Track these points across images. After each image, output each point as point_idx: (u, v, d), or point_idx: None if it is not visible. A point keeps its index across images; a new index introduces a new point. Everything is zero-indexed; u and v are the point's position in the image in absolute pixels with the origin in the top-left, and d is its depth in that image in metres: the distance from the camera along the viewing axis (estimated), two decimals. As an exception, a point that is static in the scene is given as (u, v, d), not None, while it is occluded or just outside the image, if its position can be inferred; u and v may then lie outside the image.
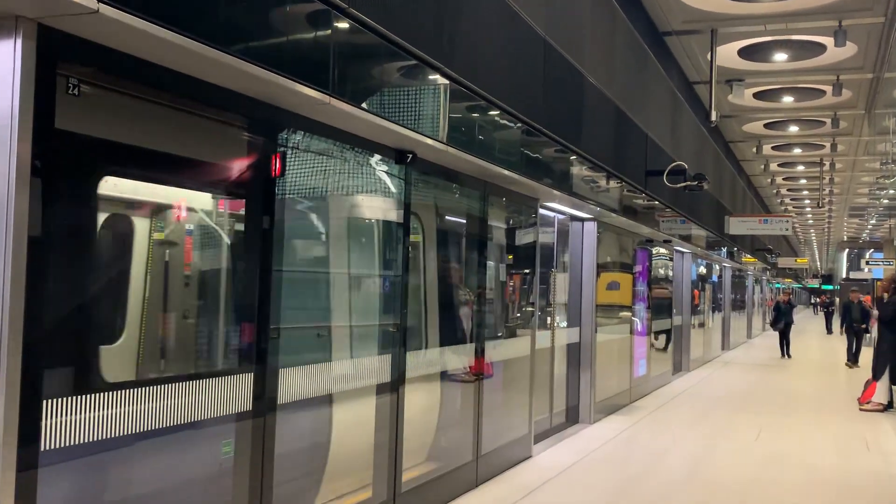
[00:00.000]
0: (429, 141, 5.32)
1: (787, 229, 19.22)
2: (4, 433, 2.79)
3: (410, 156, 5.49)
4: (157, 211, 4.00)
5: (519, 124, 6.83)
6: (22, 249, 2.87)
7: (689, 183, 10.93)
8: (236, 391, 3.96)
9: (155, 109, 3.57)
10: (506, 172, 6.59)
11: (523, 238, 8.12)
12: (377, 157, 5.37)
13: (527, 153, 7.25)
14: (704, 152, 16.67)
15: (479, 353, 6.88)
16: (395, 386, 5.49)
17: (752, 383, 15.62)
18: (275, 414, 4.24)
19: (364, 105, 4.65)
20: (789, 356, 20.99)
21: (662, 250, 14.71)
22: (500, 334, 7.52)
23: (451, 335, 6.58)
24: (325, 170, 4.93)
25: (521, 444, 7.88)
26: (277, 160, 4.30)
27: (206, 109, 3.85)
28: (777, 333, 22.06)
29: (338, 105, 4.27)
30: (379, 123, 4.73)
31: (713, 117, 12.43)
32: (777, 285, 46.28)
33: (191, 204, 4.04)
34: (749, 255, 25.96)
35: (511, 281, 7.90)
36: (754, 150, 21.04)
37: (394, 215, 5.57)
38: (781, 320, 21.30)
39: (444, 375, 6.43)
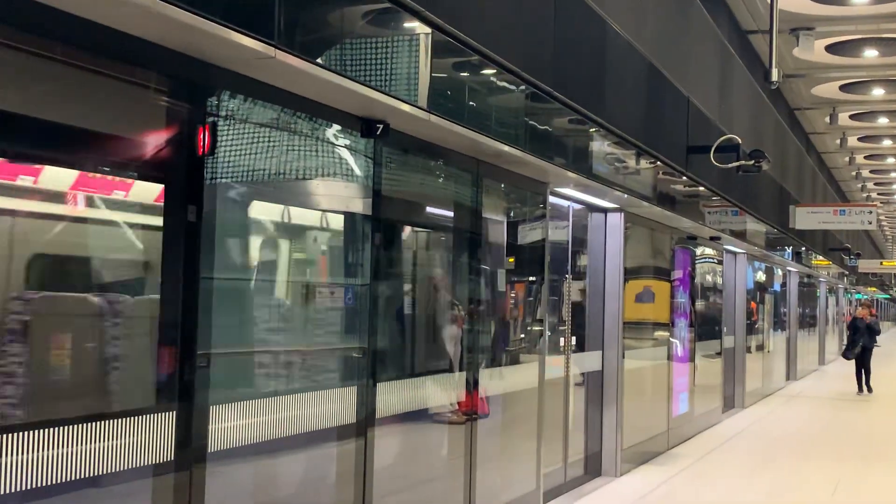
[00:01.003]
0: (405, 107, 5.31)
1: (870, 223, 19.38)
2: None
3: (381, 126, 5.48)
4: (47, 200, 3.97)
5: (522, 87, 6.85)
6: None
7: (743, 162, 11.00)
8: (155, 436, 3.94)
9: (37, 65, 3.54)
10: (506, 148, 6.60)
11: (528, 235, 8.15)
12: (337, 128, 5.36)
13: (532, 124, 7.26)
14: (763, 123, 16.79)
15: (472, 386, 6.89)
16: (360, 429, 5.49)
17: (825, 424, 15.72)
18: (204, 466, 4.22)
19: (320, 60, 4.65)
20: (869, 390, 20.73)
21: (708, 251, 14.79)
22: (497, 361, 7.53)
23: (434, 361, 6.59)
24: (270, 146, 4.92)
25: (527, 502, 7.90)
26: (206, 133, 4.28)
27: (111, 65, 3.83)
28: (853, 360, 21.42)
29: (285, 59, 4.26)
30: (339, 83, 4.72)
31: (774, 76, 12.50)
32: (858, 296, 46.63)
33: (88, 190, 4.01)
34: (820, 257, 26.16)
35: (513, 291, 7.91)
36: (827, 119, 21.19)
37: (359, 205, 5.57)
38: (859, 342, 20.84)
39: (424, 415, 6.43)
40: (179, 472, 4.08)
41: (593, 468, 10.17)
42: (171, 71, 4.12)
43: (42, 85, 3.66)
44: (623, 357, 10.39)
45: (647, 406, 11.51)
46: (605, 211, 10.21)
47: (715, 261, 15.39)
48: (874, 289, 56.69)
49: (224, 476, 4.43)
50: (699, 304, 14.03)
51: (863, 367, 20.83)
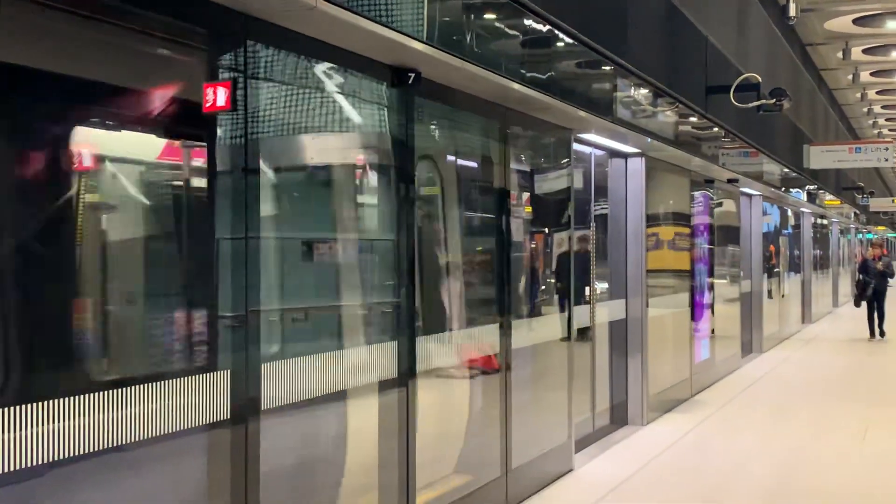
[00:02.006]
0: (439, 54, 5.32)
1: (886, 159, 19.42)
2: None
3: (412, 76, 5.50)
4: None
5: (546, 27, 6.84)
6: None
7: (764, 101, 11.00)
8: (209, 394, 4.01)
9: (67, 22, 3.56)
10: (534, 94, 6.62)
11: (553, 184, 8.18)
12: (368, 79, 5.37)
13: (557, 68, 7.27)
14: (777, 61, 16.75)
15: (505, 338, 6.96)
16: (402, 382, 5.56)
17: (848, 367, 15.86)
18: (258, 421, 4.30)
19: (355, 6, 4.65)
20: (882, 334, 19.94)
21: (724, 194, 14.82)
22: (526, 312, 7.59)
23: (472, 315, 6.66)
24: (305, 101, 4.93)
25: (560, 455, 8.00)
26: (246, 88, 4.30)
27: (143, 20, 3.85)
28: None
29: (325, 8, 4.27)
30: (373, 30, 4.72)
31: (792, 11, 12.47)
32: (868, 235, 46.68)
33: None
34: (832, 197, 26.18)
35: (537, 241, 7.96)
36: (840, 54, 21.12)
37: (393, 159, 5.59)
38: (870, 285, 19.80)
39: (460, 368, 6.51)
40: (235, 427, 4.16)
41: (619, 417, 10.28)
42: (210, 22, 4.14)
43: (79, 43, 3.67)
44: (647, 305, 10.46)
45: (670, 353, 11.60)
46: (625, 156, 10.23)
47: (731, 204, 15.43)
48: (884, 227, 56.77)
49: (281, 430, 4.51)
50: (717, 249, 14.08)
51: (876, 310, 19.95)
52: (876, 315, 19.97)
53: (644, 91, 9.25)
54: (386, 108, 5.61)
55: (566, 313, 8.31)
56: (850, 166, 20.97)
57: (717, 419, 10.86)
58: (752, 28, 14.41)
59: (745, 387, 13.32)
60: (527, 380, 7.48)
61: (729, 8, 12.86)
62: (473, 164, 6.93)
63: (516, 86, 6.32)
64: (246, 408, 4.25)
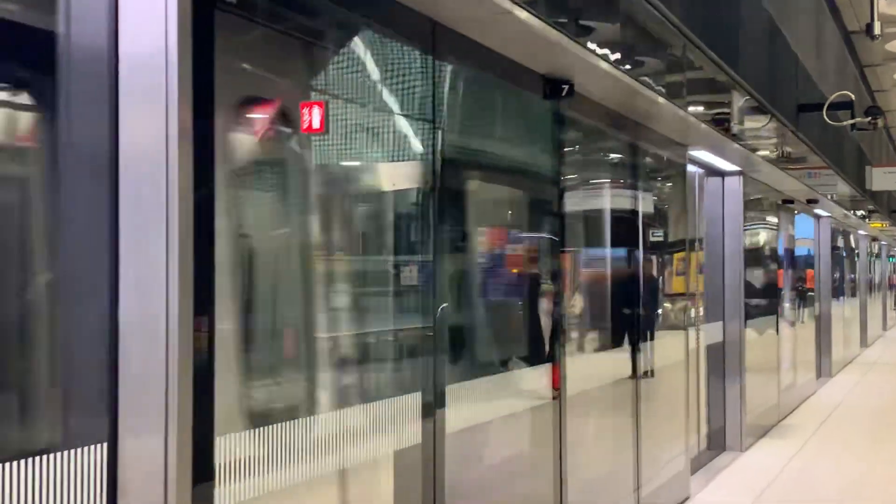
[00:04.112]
0: (600, 63, 5.12)
1: (949, 181, 19.08)
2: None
3: (566, 87, 5.31)
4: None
5: (683, 40, 6.65)
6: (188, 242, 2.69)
7: (859, 119, 10.76)
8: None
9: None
10: (667, 105, 6.41)
11: (669, 201, 7.98)
12: (524, 89, 5.19)
13: (677, 78, 7.07)
14: (845, 80, 16.50)
15: (642, 359, 6.77)
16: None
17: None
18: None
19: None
20: None
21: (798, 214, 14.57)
22: (650, 335, 7.39)
23: (616, 337, 6.50)
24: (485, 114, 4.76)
25: (679, 483, 7.77)
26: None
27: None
28: None
29: (519, 14, 4.09)
30: (541, 33, 4.51)
31: (877, 30, 12.21)
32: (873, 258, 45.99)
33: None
34: (880, 220, 25.83)
35: (657, 262, 7.74)
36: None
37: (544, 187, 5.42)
38: None
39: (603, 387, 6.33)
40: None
41: (717, 443, 10.01)
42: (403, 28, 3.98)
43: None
44: (745, 328, 10.22)
45: (760, 377, 11.33)
46: (723, 175, 10.02)
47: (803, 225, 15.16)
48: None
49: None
50: (793, 271, 13.83)
51: None
52: None
53: (750, 105, 9.02)
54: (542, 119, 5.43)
55: (682, 336, 8.09)
56: (912, 188, 20.60)
57: (815, 445, 10.56)
58: (826, 45, 14.19)
59: (829, 411, 13.01)
60: (652, 402, 7.25)
61: (808, 24, 12.64)
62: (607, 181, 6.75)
63: (653, 96, 6.12)
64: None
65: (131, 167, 2.67)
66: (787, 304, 12.71)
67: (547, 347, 5.40)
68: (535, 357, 5.34)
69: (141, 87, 2.67)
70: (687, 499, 7.89)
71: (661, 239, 7.41)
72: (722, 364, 10.12)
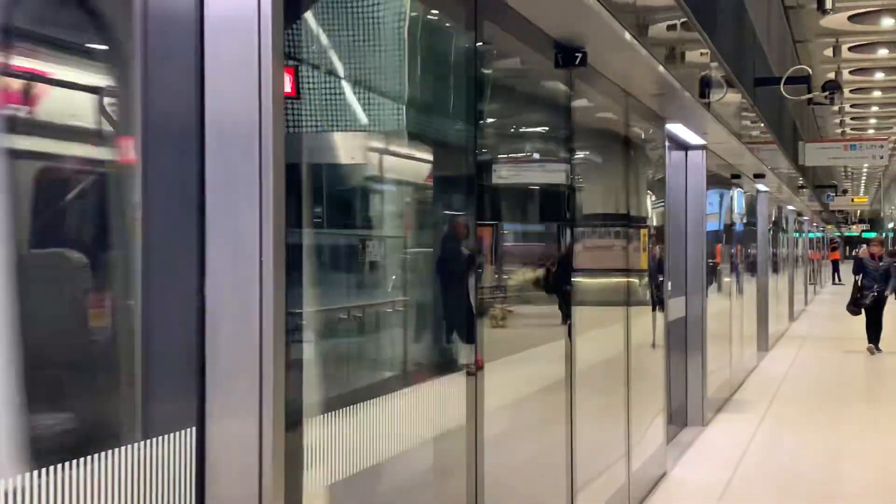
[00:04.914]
0: (616, 25, 4.95)
1: (880, 157, 19.46)
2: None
3: (580, 56, 5.16)
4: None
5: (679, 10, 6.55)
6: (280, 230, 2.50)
7: (815, 94, 10.82)
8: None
9: None
10: (669, 79, 6.31)
11: (653, 177, 7.92)
12: (539, 57, 5.03)
13: (675, 51, 6.98)
14: (785, 55, 16.68)
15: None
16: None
17: (863, 367, 15.68)
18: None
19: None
20: (878, 349, 16.59)
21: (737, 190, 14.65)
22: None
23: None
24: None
25: (657, 458, 7.73)
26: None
27: None
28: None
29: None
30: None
31: (829, 4, 12.28)
32: (811, 234, 47.07)
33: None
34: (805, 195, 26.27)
35: (644, 236, 7.68)
36: (831, 52, 21.10)
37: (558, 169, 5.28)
38: (872, 289, 16.40)
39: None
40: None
41: (679, 418, 10.01)
42: None
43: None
44: (706, 303, 10.23)
45: (714, 352, 11.37)
46: (685, 148, 9.98)
47: (745, 200, 15.28)
48: (832, 226, 57.50)
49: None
50: (737, 247, 13.92)
51: (873, 320, 16.61)
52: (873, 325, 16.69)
53: (720, 76, 8.98)
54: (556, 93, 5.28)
55: (658, 311, 8.04)
56: (843, 164, 21.04)
57: (774, 418, 10.65)
58: (771, 19, 14.28)
59: (776, 385, 13.15)
60: (638, 377, 7.19)
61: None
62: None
63: (664, 71, 6.01)
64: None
65: (218, 140, 2.46)
66: (732, 279, 12.77)
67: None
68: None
69: (229, 49, 2.45)
70: (664, 474, 7.86)
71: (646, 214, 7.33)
72: (684, 339, 10.11)
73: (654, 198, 8.22)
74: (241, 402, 2.47)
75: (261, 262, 2.46)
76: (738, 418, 10.64)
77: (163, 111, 2.43)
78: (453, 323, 3.97)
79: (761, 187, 16.33)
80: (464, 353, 3.88)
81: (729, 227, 12.68)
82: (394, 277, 3.67)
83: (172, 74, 2.46)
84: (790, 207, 23.50)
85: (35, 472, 1.97)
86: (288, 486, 2.56)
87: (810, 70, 10.96)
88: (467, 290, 3.95)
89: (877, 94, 28.14)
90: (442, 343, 3.97)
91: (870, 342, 16.66)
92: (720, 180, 12.36)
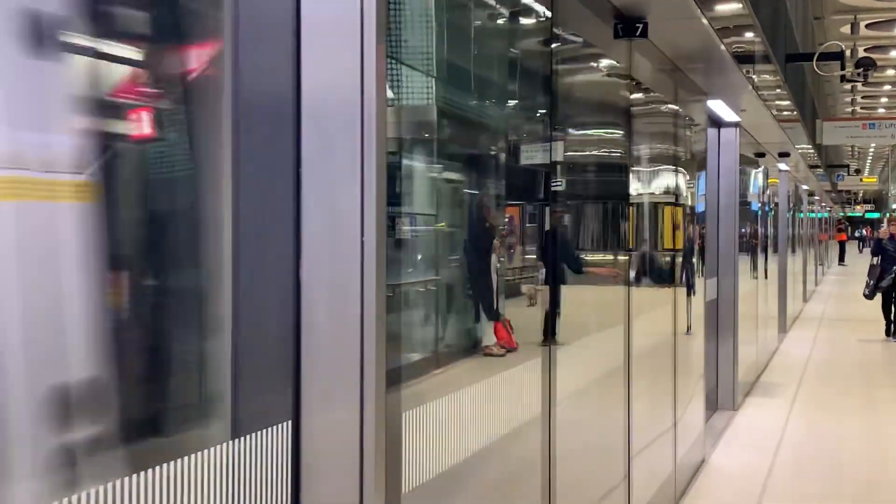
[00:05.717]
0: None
1: (899, 137, 19.26)
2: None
3: (641, 26, 4.94)
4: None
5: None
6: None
7: (849, 70, 10.60)
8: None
9: None
10: (721, 48, 6.09)
11: (694, 152, 7.70)
12: (597, 27, 4.81)
13: (724, 24, 6.75)
14: (806, 32, 16.41)
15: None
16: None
17: (881, 349, 15.51)
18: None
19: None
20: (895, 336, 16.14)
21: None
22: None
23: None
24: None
25: (697, 446, 7.54)
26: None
27: None
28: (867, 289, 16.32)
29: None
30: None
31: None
32: (814, 215, 46.79)
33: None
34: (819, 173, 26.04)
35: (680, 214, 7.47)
36: (849, 29, 20.83)
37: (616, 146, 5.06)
38: (891, 271, 15.69)
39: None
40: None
41: (710, 402, 9.80)
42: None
43: None
44: (738, 285, 10.03)
45: (743, 335, 11.19)
46: (719, 126, 9.75)
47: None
48: (837, 206, 57.30)
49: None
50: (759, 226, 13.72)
51: (891, 303, 16.08)
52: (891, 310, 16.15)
53: (762, 52, 8.76)
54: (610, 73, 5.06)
55: (693, 293, 7.84)
56: (861, 143, 20.82)
57: (805, 403, 10.46)
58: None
59: (801, 367, 12.98)
60: (683, 361, 7.00)
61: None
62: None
63: (717, 40, 5.78)
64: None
65: (316, 115, 2.26)
66: (760, 260, 12.58)
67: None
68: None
69: (328, 21, 2.24)
70: (703, 461, 7.68)
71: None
72: (715, 322, 9.91)
73: (688, 177, 8.01)
74: (341, 392, 2.28)
75: (362, 242, 2.25)
76: (769, 402, 10.45)
77: (257, 87, 2.24)
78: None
79: (782, 166, 16.09)
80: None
81: (756, 207, 12.48)
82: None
83: (268, 48, 2.26)
84: (804, 187, 23.25)
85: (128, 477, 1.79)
86: (388, 485, 2.37)
87: (843, 46, 10.68)
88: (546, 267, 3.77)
89: (890, 72, 27.87)
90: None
91: (888, 327, 16.15)
92: (746, 160, 12.15)
